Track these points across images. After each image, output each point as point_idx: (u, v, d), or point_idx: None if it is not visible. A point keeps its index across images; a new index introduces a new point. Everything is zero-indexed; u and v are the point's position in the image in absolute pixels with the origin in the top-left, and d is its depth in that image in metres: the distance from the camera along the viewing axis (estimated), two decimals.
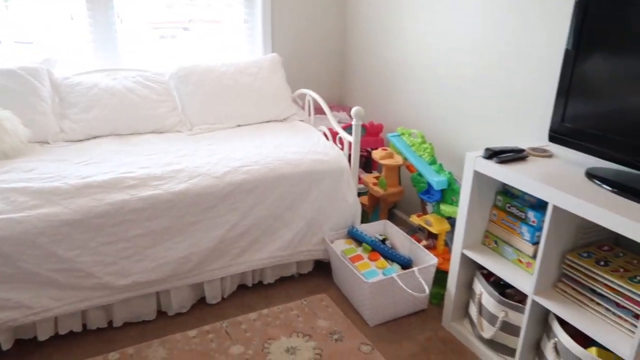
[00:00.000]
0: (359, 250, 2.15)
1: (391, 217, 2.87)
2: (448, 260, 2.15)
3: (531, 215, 1.65)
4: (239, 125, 2.59)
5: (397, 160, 2.40)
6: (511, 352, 1.73)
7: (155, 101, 2.47)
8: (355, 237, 2.21)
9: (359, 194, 2.68)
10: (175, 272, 1.93)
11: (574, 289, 1.50)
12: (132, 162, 2.02)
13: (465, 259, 1.84)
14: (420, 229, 2.30)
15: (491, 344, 1.78)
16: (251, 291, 2.22)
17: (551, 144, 1.68)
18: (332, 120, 2.41)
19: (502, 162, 1.64)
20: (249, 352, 1.83)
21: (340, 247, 2.18)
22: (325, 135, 2.49)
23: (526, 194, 1.68)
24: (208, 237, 1.97)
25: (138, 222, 1.83)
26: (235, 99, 2.59)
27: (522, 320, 1.63)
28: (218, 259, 2.03)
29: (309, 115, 2.72)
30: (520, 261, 1.70)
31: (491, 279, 1.81)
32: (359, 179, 2.65)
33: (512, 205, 1.73)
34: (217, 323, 1.98)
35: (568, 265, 1.53)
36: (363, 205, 2.61)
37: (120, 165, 1.98)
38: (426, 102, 2.51)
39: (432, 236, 2.25)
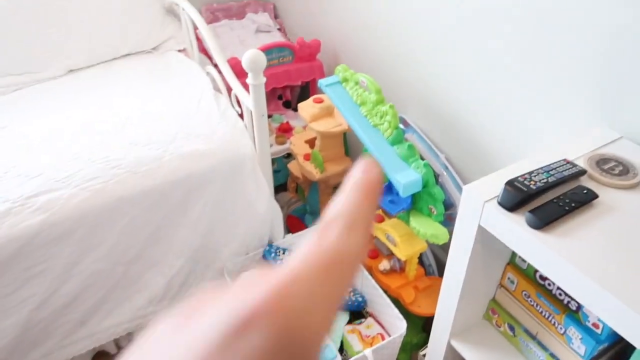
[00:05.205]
0: None
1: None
2: (426, 290, 1.34)
3: (592, 311, 0.81)
4: (71, 71, 1.53)
5: (340, 121, 1.44)
6: None
7: None
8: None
9: (287, 155, 1.76)
10: None
11: None
12: None
13: (454, 352, 1.03)
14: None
15: None
16: None
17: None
18: (219, 58, 1.37)
19: (542, 224, 0.73)
20: None
21: None
22: (220, 89, 1.47)
23: None
24: None
25: None
26: (61, 22, 1.49)
27: None
28: (35, 347, 1.18)
29: (192, 46, 1.63)
30: None
31: None
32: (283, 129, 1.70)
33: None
34: None
35: None
36: (295, 178, 1.70)
37: None
38: (397, 14, 1.46)
39: None
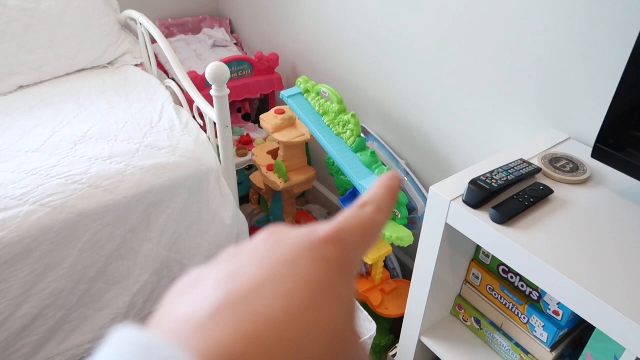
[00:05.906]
0: None
1: (304, 198, 2.00)
2: (392, 293, 1.37)
3: (552, 300, 0.86)
4: (21, 88, 1.48)
5: (302, 131, 1.46)
6: None
7: None
8: None
9: (249, 167, 1.76)
10: None
11: None
12: None
13: (425, 348, 1.06)
14: None
15: None
16: None
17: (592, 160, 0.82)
18: (180, 73, 1.37)
19: (505, 219, 0.78)
20: None
21: None
22: (181, 102, 1.46)
23: None
24: None
25: None
26: (12, 37, 1.44)
27: None
28: None
29: (149, 60, 1.62)
30: None
31: None
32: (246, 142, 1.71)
33: (511, 270, 0.92)
34: None
35: None
36: (258, 189, 1.70)
37: None
38: (353, 24, 1.50)
39: None
